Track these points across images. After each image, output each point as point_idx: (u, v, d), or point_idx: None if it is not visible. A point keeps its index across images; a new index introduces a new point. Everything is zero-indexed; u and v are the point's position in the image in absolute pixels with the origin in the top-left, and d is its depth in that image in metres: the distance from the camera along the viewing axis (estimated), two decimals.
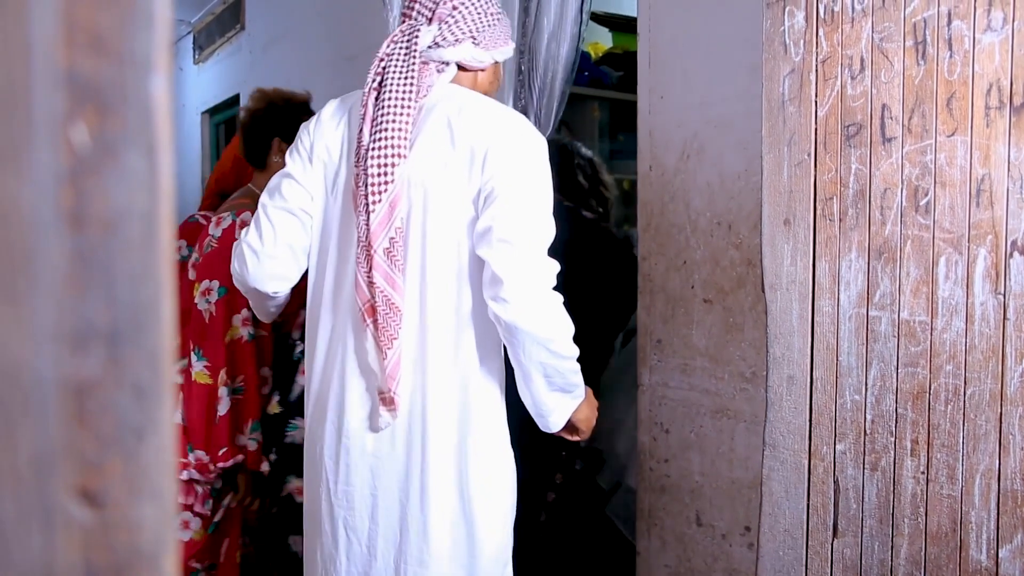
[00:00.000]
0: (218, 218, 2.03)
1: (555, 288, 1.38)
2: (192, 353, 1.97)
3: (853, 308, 1.33)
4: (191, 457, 1.93)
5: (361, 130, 1.40)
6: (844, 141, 1.33)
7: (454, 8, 1.44)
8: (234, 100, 4.91)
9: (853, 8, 1.31)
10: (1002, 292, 1.16)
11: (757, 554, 1.50)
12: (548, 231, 1.38)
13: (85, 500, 0.32)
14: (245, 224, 1.92)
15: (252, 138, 2.11)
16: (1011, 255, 1.15)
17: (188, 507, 1.98)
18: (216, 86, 5.23)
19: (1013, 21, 1.14)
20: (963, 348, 1.20)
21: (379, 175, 1.35)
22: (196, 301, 1.98)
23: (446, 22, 1.44)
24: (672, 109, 2.00)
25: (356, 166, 1.39)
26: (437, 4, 1.44)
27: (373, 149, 1.36)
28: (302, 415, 1.87)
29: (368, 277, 1.36)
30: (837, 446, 1.37)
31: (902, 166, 1.26)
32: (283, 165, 1.62)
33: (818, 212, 1.37)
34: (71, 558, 0.32)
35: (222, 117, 5.37)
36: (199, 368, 1.95)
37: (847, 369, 1.35)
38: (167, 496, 0.33)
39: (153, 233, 0.32)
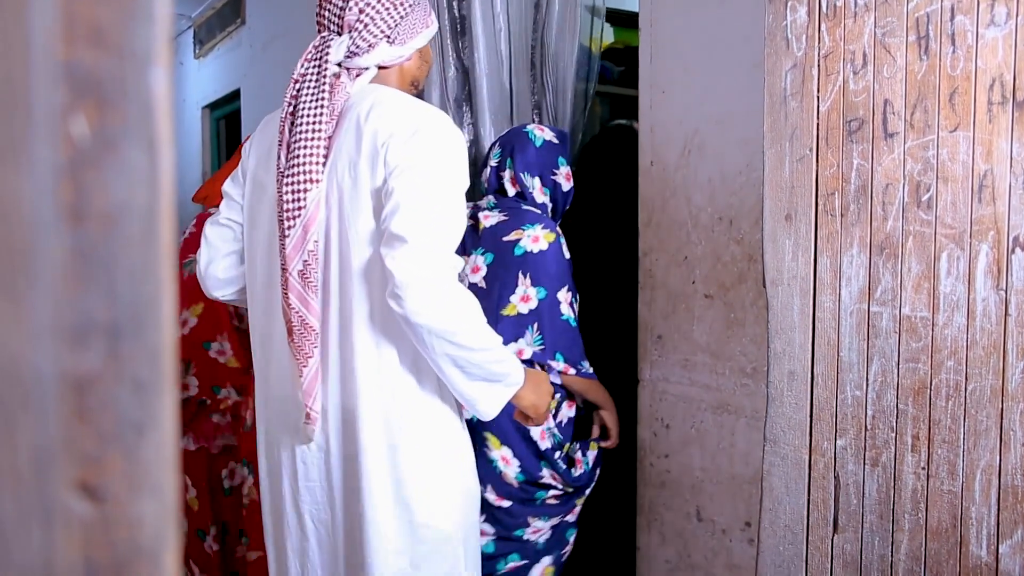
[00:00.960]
0: None
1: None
2: None
3: (854, 304, 1.33)
4: None
5: (279, 156, 1.41)
6: (846, 136, 1.33)
7: (360, 12, 1.42)
8: (234, 95, 4.90)
9: (856, 3, 1.31)
10: (1003, 288, 1.16)
11: (757, 549, 1.50)
12: (447, 226, 1.35)
13: (85, 496, 0.31)
14: None
15: None
16: (1013, 251, 1.15)
17: None
18: (217, 81, 5.22)
19: (1016, 16, 1.13)
20: (964, 344, 1.20)
21: (293, 200, 1.37)
22: None
23: (356, 29, 1.42)
24: (673, 104, 1.99)
25: (277, 191, 1.41)
26: (343, 11, 1.42)
27: (287, 176, 1.38)
28: None
29: (286, 300, 1.39)
30: (838, 442, 1.37)
31: (904, 161, 1.26)
32: None
33: (820, 207, 1.37)
34: (71, 555, 0.31)
35: (222, 112, 5.36)
36: None
37: (848, 365, 1.35)
38: (168, 492, 0.33)
39: (153, 228, 0.32)
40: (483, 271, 1.96)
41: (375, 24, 1.43)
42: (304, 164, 1.37)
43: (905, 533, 1.29)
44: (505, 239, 1.93)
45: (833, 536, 1.38)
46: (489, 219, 1.98)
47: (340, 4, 1.42)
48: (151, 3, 0.32)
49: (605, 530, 2.67)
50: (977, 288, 1.18)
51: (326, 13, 1.45)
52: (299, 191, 1.37)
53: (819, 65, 1.36)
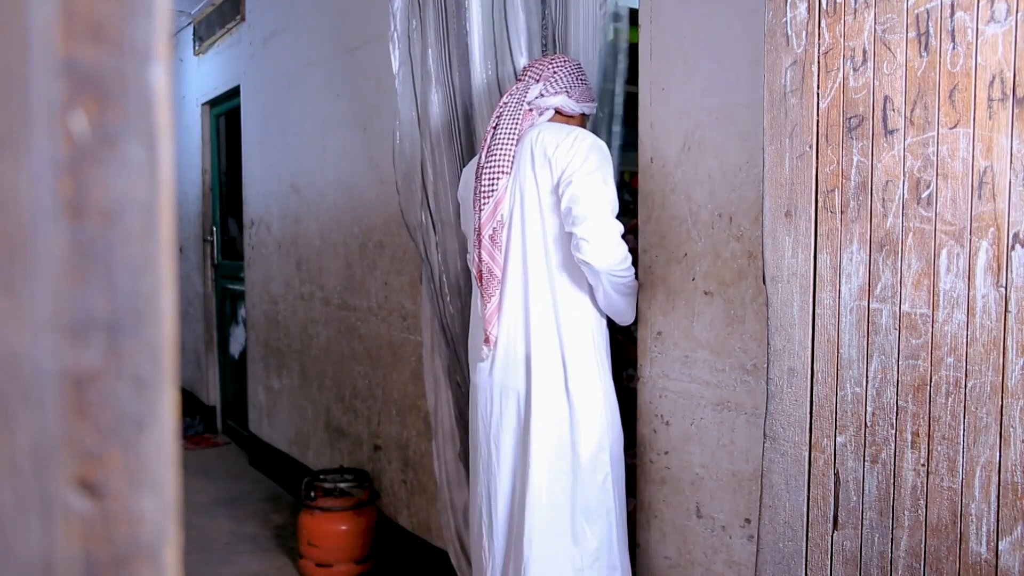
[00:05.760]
0: None
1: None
2: None
3: (854, 300, 1.33)
4: None
5: (480, 157, 2.07)
6: (846, 133, 1.33)
7: (554, 72, 2.09)
8: (234, 92, 4.89)
9: None
10: (1003, 285, 1.16)
11: (757, 546, 1.50)
12: (611, 202, 1.94)
13: (85, 491, 0.31)
14: None
15: None
16: (1013, 247, 1.15)
17: None
18: (216, 78, 5.21)
19: (1016, 12, 1.13)
20: (964, 341, 1.20)
21: (488, 184, 2.03)
22: None
23: (549, 80, 2.09)
24: (673, 101, 1.99)
25: (476, 179, 2.06)
26: (543, 70, 2.10)
27: (485, 168, 2.04)
28: None
29: (479, 255, 2.04)
30: (838, 438, 1.37)
31: (904, 158, 1.26)
32: None
33: (820, 204, 1.37)
34: (71, 550, 0.31)
35: (222, 109, 5.35)
36: None
37: (848, 361, 1.35)
38: (168, 488, 0.33)
39: (153, 224, 0.32)
40: None
41: (561, 80, 2.09)
42: (499, 160, 2.02)
43: (905, 530, 1.29)
44: None
45: (833, 533, 1.38)
46: None
47: (542, 65, 2.11)
48: None
49: None
50: (977, 285, 1.18)
51: (530, 72, 2.12)
52: (494, 178, 2.02)
53: (819, 62, 1.36)
